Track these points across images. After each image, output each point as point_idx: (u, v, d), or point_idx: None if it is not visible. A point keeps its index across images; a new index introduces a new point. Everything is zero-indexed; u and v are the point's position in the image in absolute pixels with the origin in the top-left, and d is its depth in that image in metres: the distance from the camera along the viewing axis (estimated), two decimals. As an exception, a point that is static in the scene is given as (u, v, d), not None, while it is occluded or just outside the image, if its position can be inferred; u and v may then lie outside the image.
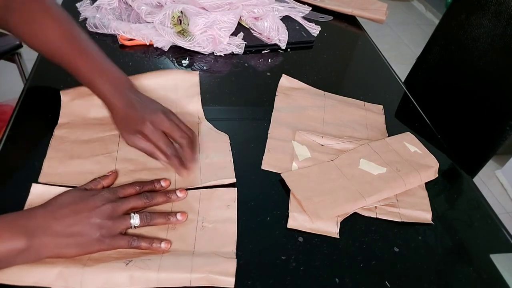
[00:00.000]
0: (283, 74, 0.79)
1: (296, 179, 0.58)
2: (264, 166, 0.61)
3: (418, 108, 0.81)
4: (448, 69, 1.02)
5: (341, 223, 0.54)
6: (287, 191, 0.57)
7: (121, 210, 0.47)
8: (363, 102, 0.77)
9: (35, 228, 0.42)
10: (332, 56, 0.92)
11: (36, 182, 0.52)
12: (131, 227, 0.48)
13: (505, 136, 0.86)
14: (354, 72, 0.91)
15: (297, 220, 0.54)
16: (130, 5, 0.87)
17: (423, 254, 0.54)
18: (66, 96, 0.62)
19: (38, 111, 0.64)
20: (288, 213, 0.54)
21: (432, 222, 0.57)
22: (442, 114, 1.00)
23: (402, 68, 1.15)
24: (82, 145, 0.58)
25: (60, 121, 0.61)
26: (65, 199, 0.46)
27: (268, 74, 0.82)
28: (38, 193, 0.51)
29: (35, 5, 0.58)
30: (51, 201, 0.46)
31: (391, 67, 0.92)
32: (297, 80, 0.79)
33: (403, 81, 0.90)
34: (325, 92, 0.78)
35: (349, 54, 0.96)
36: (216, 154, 0.60)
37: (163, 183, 0.53)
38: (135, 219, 0.47)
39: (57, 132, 0.59)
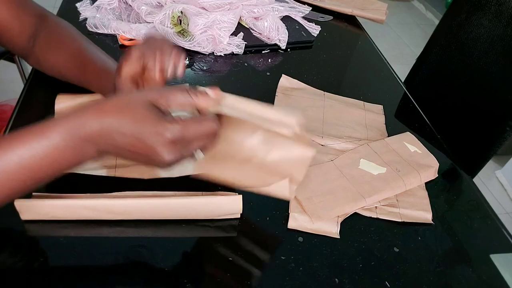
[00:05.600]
0: (282, 74, 0.79)
1: (296, 179, 0.58)
2: (264, 166, 0.61)
3: (418, 108, 0.81)
4: (448, 69, 1.02)
5: (341, 223, 0.54)
6: (287, 191, 0.57)
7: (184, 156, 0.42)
8: (362, 102, 0.77)
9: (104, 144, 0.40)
10: (332, 56, 0.92)
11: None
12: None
13: (505, 136, 0.86)
14: (354, 72, 0.91)
15: (297, 221, 0.54)
16: (130, 5, 0.87)
17: (423, 254, 0.54)
18: (60, 104, 0.62)
19: (38, 111, 0.64)
20: (288, 213, 0.54)
21: (432, 222, 0.57)
22: (442, 114, 1.00)
23: (402, 68, 1.15)
24: None
25: None
26: (123, 119, 0.39)
27: (268, 74, 0.81)
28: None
29: (55, 31, 0.63)
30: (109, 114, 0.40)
31: (391, 67, 0.92)
32: (296, 80, 0.78)
33: (403, 81, 0.90)
34: (325, 92, 0.78)
35: (349, 54, 0.96)
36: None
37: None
38: (199, 155, 0.44)
39: None
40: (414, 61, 1.12)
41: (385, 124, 0.74)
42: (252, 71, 0.82)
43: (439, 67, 1.04)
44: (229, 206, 0.51)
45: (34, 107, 0.65)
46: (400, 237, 0.55)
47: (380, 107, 0.77)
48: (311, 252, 0.51)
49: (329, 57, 0.91)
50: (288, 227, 0.53)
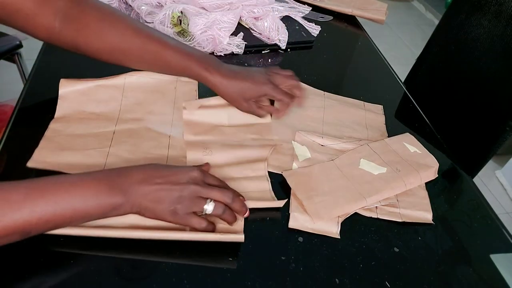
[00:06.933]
0: (283, 74, 0.78)
1: (297, 178, 0.58)
2: (264, 166, 0.61)
3: (418, 108, 0.81)
4: (448, 69, 1.02)
5: (341, 223, 0.54)
6: (287, 191, 0.57)
7: (202, 195, 0.48)
8: (362, 102, 0.77)
9: (129, 187, 0.45)
10: (332, 56, 0.92)
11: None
12: (202, 212, 0.48)
13: (505, 136, 0.86)
14: (354, 72, 0.91)
15: (298, 221, 0.54)
16: (130, 5, 0.87)
17: (423, 254, 0.54)
18: (64, 88, 0.63)
19: (38, 111, 0.64)
20: (289, 213, 0.54)
21: (432, 222, 0.57)
22: (442, 114, 1.00)
23: (402, 68, 1.15)
24: (76, 139, 0.58)
25: (57, 114, 0.61)
26: (159, 166, 0.49)
27: (268, 74, 0.81)
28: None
29: (95, 13, 0.59)
30: (146, 165, 0.49)
31: (391, 67, 0.92)
32: (297, 80, 0.78)
33: (403, 81, 0.90)
34: (325, 92, 0.78)
35: (349, 54, 0.96)
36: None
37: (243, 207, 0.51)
38: (209, 206, 0.48)
39: (52, 125, 0.60)
40: (414, 61, 1.12)
41: (385, 124, 0.74)
42: (252, 71, 0.81)
43: (439, 67, 1.04)
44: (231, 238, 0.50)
45: (34, 107, 0.65)
46: (401, 237, 0.55)
47: (380, 107, 0.77)
48: (312, 252, 0.51)
49: (329, 57, 0.91)
50: (289, 227, 0.53)
